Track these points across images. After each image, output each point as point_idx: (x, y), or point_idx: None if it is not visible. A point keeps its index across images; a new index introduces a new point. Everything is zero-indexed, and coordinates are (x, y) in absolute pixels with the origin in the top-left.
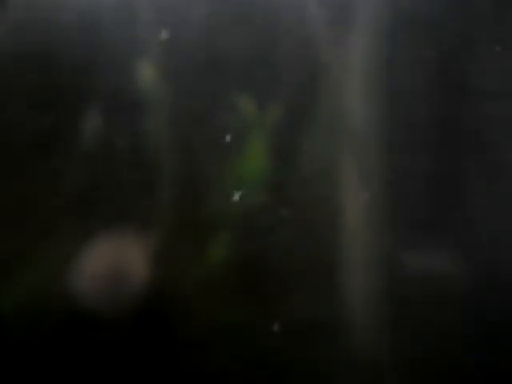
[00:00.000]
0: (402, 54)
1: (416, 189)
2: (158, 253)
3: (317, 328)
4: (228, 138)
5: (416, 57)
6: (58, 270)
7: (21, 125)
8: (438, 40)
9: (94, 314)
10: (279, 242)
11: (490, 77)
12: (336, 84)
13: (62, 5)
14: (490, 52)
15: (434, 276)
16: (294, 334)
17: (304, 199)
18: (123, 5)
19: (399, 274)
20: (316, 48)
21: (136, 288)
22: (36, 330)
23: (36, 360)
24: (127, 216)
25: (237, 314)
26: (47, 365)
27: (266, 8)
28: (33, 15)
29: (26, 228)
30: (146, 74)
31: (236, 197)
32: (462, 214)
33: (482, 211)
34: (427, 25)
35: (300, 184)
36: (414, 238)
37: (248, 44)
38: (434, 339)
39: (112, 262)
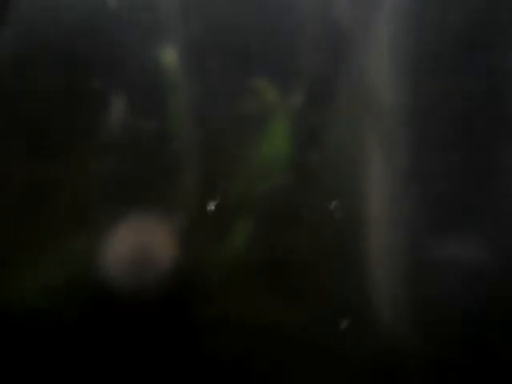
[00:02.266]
0: (428, 36)
1: (445, 174)
2: (180, 239)
3: (340, 318)
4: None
5: (444, 35)
6: (83, 254)
7: (45, 115)
8: (468, 13)
9: (116, 298)
10: (303, 228)
11: None
12: (360, 66)
13: None
14: None
15: (461, 264)
16: (315, 323)
17: (328, 183)
18: None
19: (425, 260)
20: (339, 29)
21: (158, 274)
22: (63, 313)
23: (62, 341)
24: (150, 202)
25: (258, 303)
26: (72, 345)
27: None
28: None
29: (51, 214)
30: (168, 59)
31: (211, 207)
32: (492, 196)
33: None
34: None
35: (324, 168)
36: (441, 222)
37: (269, 27)
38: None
39: (135, 247)
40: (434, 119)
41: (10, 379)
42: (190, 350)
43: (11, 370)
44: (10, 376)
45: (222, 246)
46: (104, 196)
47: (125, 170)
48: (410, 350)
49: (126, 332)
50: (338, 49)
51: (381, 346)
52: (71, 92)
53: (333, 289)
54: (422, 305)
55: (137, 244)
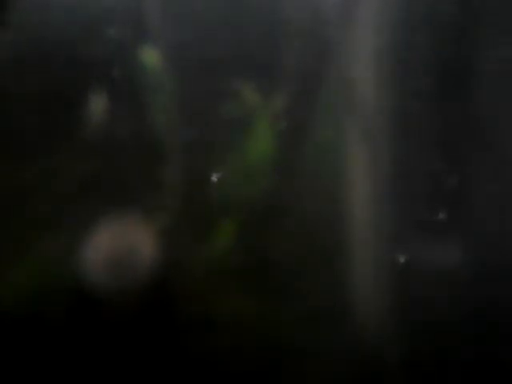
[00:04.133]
0: (414, 35)
1: (430, 175)
2: (164, 239)
3: (321, 318)
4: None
5: (430, 34)
6: (65, 254)
7: (27, 115)
8: (453, 13)
9: (98, 299)
10: (287, 229)
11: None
12: (344, 66)
13: None
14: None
15: (442, 268)
16: (296, 323)
17: (311, 186)
18: None
19: (409, 262)
20: (323, 30)
21: (140, 274)
22: (41, 315)
23: (39, 344)
24: (133, 203)
25: (242, 304)
26: (50, 347)
27: None
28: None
29: (32, 215)
30: (151, 61)
31: (214, 178)
32: (477, 197)
33: (497, 194)
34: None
35: (308, 170)
36: (424, 225)
37: (252, 29)
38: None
39: (117, 248)
40: (418, 120)
41: None
42: (173, 351)
43: None
44: None
45: (205, 247)
46: (85, 197)
47: (108, 171)
48: (393, 352)
49: (107, 334)
50: (322, 50)
51: (363, 348)
52: (51, 93)
53: (318, 290)
54: (404, 307)
55: (119, 245)
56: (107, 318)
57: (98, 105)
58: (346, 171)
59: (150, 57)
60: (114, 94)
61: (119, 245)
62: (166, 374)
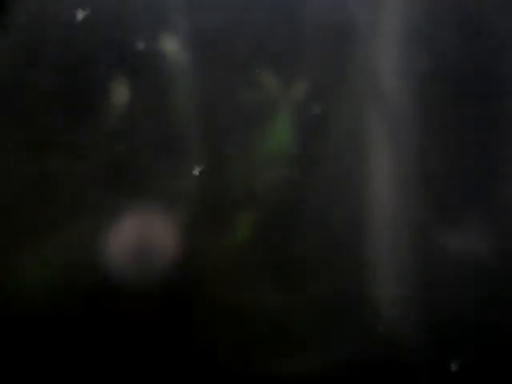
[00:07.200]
0: (437, 34)
1: (448, 164)
2: (183, 230)
3: (340, 308)
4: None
5: (454, 34)
6: (84, 245)
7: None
8: (476, 16)
9: (118, 288)
10: (305, 219)
11: None
12: (365, 58)
13: None
14: None
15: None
16: (316, 313)
17: (331, 175)
18: None
19: (429, 248)
20: (344, 21)
21: (159, 265)
22: (63, 304)
23: (62, 333)
24: (152, 193)
25: (260, 294)
26: (72, 336)
27: None
28: None
29: (52, 206)
30: (171, 51)
31: (196, 172)
32: (495, 196)
33: None
34: None
35: (327, 159)
36: (444, 211)
37: (273, 19)
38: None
39: (136, 238)
40: (438, 117)
41: (10, 372)
42: (192, 340)
43: (12, 363)
44: (11, 369)
45: (224, 238)
46: (105, 187)
47: (127, 161)
48: (409, 348)
49: (127, 323)
50: (343, 40)
51: (381, 346)
52: (71, 85)
53: (333, 282)
54: (421, 305)
55: (138, 235)
56: (127, 308)
57: (119, 95)
58: (368, 162)
59: (170, 45)
60: (134, 84)
61: (140, 234)
62: (185, 363)
